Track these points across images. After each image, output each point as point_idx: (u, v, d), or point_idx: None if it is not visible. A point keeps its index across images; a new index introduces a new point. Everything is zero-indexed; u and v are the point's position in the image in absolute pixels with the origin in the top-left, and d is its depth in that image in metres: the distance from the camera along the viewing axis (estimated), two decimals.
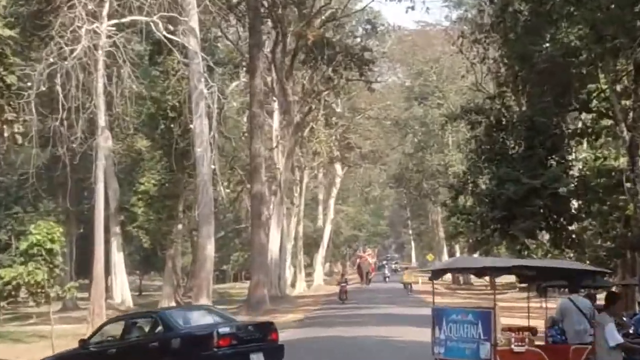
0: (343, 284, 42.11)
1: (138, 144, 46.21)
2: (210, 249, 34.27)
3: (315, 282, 68.57)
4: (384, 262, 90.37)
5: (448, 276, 69.69)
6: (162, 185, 43.61)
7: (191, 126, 36.17)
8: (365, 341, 22.00)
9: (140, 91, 39.05)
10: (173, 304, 42.90)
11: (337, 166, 68.91)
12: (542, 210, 28.30)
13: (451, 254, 71.85)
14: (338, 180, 71.22)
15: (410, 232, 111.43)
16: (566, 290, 14.57)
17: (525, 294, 42.23)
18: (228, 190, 51.70)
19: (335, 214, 74.32)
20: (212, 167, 35.25)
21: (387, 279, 64.79)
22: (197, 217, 37.59)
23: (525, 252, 30.05)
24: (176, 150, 40.56)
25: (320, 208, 75.96)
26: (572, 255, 29.33)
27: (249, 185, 45.54)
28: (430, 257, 78.62)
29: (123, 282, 43.35)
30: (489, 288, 57.81)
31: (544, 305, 14.86)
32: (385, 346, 21.05)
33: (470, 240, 34.38)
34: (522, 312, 28.64)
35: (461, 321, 11.28)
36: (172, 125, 42.12)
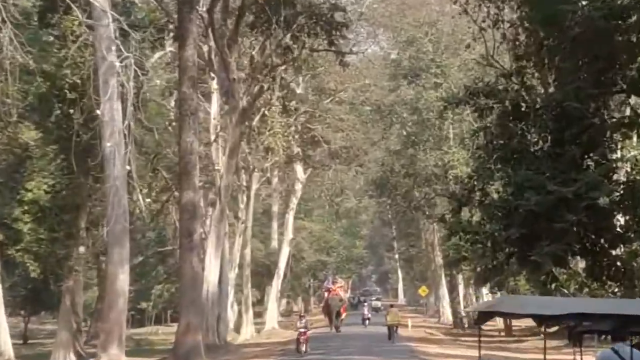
0: (302, 329, 41.50)
1: (24, 136, 45.69)
2: (123, 279, 34.05)
3: (268, 325, 68.61)
4: (361, 298, 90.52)
5: (448, 318, 70.19)
6: (57, 193, 43.32)
7: (98, 112, 35.86)
8: None
9: (27, 63, 38.62)
10: (71, 355, 42.49)
11: (298, 167, 68.93)
12: (575, 228, 28.30)
13: (452, 286, 72.14)
14: (299, 186, 71.21)
15: (397, 257, 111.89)
16: (608, 337, 14.60)
17: (552, 343, 42.62)
18: (149, 200, 51.41)
19: (295, 233, 74.31)
20: (127, 168, 34.96)
21: (366, 322, 64.42)
22: (106, 237, 37.27)
23: (552, 285, 30.09)
24: (77, 144, 40.20)
25: (275, 224, 75.91)
26: (616, 289, 29.39)
27: (177, 193, 45.27)
28: (423, 290, 78.89)
29: (1, 326, 42.87)
30: (502, 334, 58.28)
31: (578, 358, 14.88)
32: None
33: (478, 269, 34.40)
34: None
35: None
36: (71, 111, 41.93)
